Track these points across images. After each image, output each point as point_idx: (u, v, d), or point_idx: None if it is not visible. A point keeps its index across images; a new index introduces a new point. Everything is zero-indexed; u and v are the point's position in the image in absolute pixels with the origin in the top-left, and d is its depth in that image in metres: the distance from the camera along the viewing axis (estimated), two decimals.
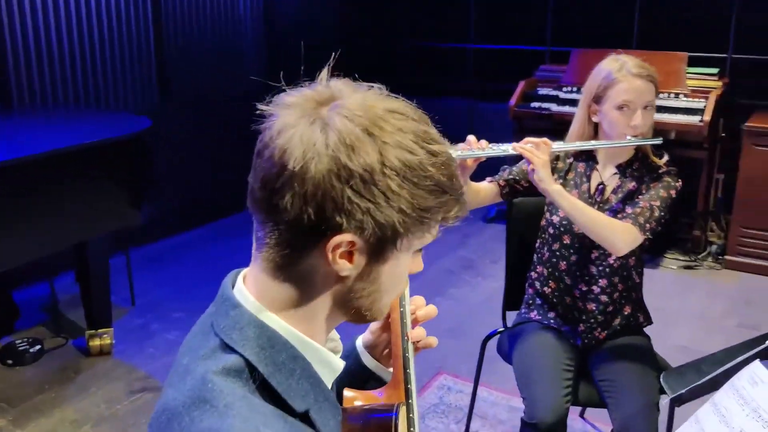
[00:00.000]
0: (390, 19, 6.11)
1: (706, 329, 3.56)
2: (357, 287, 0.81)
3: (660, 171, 2.03)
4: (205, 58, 4.85)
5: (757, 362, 1.20)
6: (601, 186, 2.07)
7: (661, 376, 1.58)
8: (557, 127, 4.46)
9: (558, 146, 2.02)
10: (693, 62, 4.41)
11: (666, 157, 2.08)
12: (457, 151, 1.86)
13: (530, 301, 2.19)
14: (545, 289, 2.13)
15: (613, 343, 2.07)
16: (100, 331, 3.20)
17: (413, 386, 1.02)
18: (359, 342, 1.13)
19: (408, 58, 6.12)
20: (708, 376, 1.50)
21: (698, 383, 1.43)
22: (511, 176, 2.13)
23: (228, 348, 0.78)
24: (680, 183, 2.01)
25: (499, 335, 2.34)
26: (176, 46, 4.63)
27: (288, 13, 5.47)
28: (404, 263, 0.83)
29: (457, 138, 1.73)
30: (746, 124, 4.12)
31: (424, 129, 0.79)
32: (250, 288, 0.83)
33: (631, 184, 2.04)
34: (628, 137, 1.97)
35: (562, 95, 4.58)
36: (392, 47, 6.16)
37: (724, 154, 4.50)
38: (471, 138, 1.90)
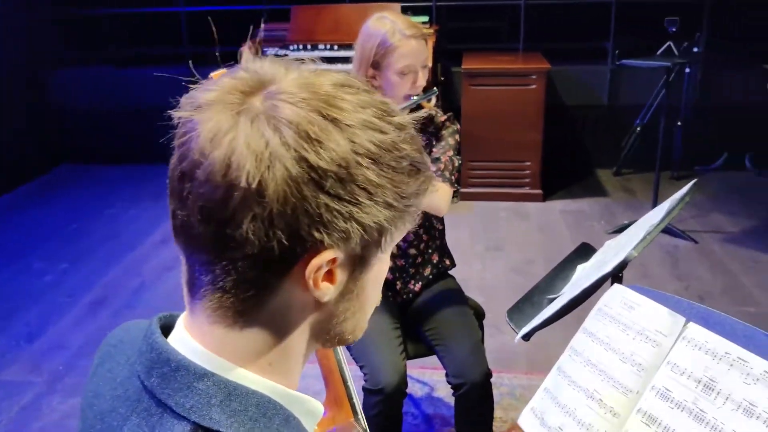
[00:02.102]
0: None
1: (463, 259, 3.84)
2: (340, 310, 0.67)
3: (441, 120, 2.09)
4: None
5: (619, 287, 1.31)
6: None
7: (505, 315, 1.67)
8: None
9: None
10: (403, 11, 4.64)
11: (434, 100, 2.15)
12: None
13: None
14: None
15: (429, 293, 2.14)
16: None
17: (357, 401, 0.92)
18: None
19: (112, 27, 5.55)
20: (549, 307, 1.62)
21: (547, 317, 1.53)
22: None
23: None
24: (459, 125, 2.10)
25: None
26: None
27: None
28: (386, 264, 0.71)
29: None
30: (463, 66, 4.49)
31: (380, 100, 0.65)
32: (203, 343, 0.65)
33: (422, 140, 2.07)
34: (412, 97, 1.99)
35: (291, 54, 4.54)
36: (90, 18, 5.53)
37: (444, 97, 4.88)
38: None
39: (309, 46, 4.53)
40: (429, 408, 2.61)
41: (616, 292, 1.30)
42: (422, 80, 1.97)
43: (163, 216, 4.48)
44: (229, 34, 5.04)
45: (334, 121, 0.60)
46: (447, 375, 1.99)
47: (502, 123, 4.49)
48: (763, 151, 4.89)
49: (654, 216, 1.63)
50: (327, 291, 0.63)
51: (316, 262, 0.61)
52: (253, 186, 0.57)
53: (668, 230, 4.02)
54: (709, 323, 1.12)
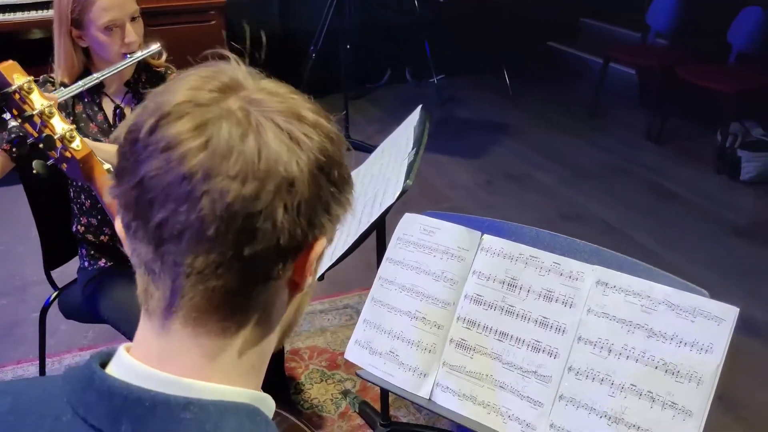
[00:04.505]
0: None
1: None
2: (302, 301, 0.68)
3: (171, 77, 2.02)
4: None
5: (410, 215, 1.45)
6: (118, 110, 1.95)
7: None
8: None
9: (61, 94, 1.74)
10: None
11: (165, 55, 2.05)
12: None
13: (93, 253, 1.99)
14: (102, 238, 1.96)
15: None
16: None
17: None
18: None
19: None
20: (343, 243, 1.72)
21: (341, 254, 1.63)
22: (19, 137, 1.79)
23: None
24: None
25: (57, 299, 2.08)
26: None
27: None
28: None
29: None
30: (139, 6, 4.19)
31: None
32: (177, 371, 0.60)
33: None
34: (127, 55, 1.86)
35: None
36: None
37: None
38: None
39: None
40: None
41: (410, 220, 1.44)
42: (133, 35, 1.83)
43: None
44: None
45: (317, 113, 0.64)
46: None
47: (189, 61, 4.34)
48: (419, 63, 5.49)
49: (403, 144, 1.81)
50: (309, 280, 0.64)
51: (318, 248, 0.62)
52: (295, 173, 0.58)
53: (360, 146, 4.31)
54: (500, 232, 1.32)
